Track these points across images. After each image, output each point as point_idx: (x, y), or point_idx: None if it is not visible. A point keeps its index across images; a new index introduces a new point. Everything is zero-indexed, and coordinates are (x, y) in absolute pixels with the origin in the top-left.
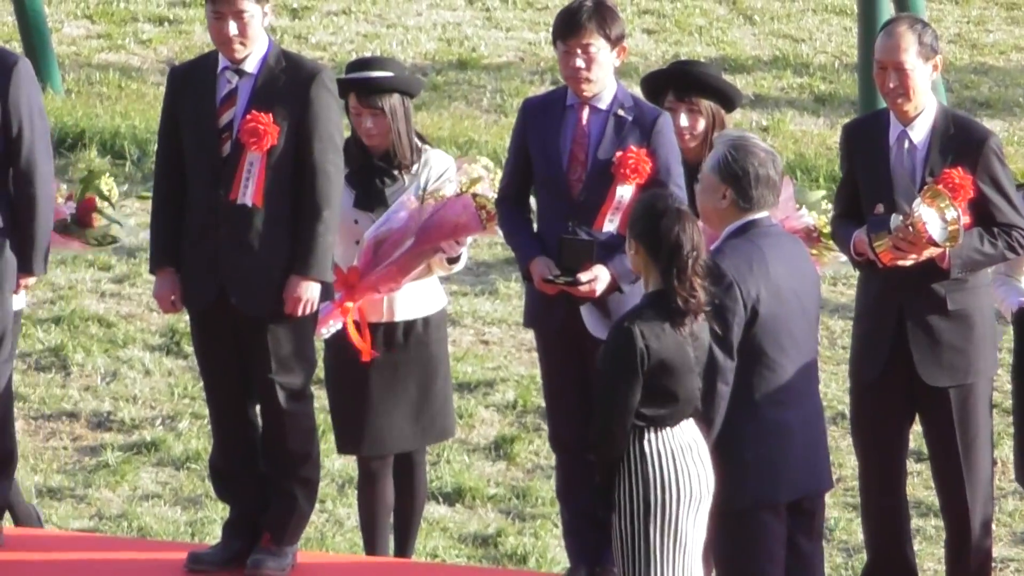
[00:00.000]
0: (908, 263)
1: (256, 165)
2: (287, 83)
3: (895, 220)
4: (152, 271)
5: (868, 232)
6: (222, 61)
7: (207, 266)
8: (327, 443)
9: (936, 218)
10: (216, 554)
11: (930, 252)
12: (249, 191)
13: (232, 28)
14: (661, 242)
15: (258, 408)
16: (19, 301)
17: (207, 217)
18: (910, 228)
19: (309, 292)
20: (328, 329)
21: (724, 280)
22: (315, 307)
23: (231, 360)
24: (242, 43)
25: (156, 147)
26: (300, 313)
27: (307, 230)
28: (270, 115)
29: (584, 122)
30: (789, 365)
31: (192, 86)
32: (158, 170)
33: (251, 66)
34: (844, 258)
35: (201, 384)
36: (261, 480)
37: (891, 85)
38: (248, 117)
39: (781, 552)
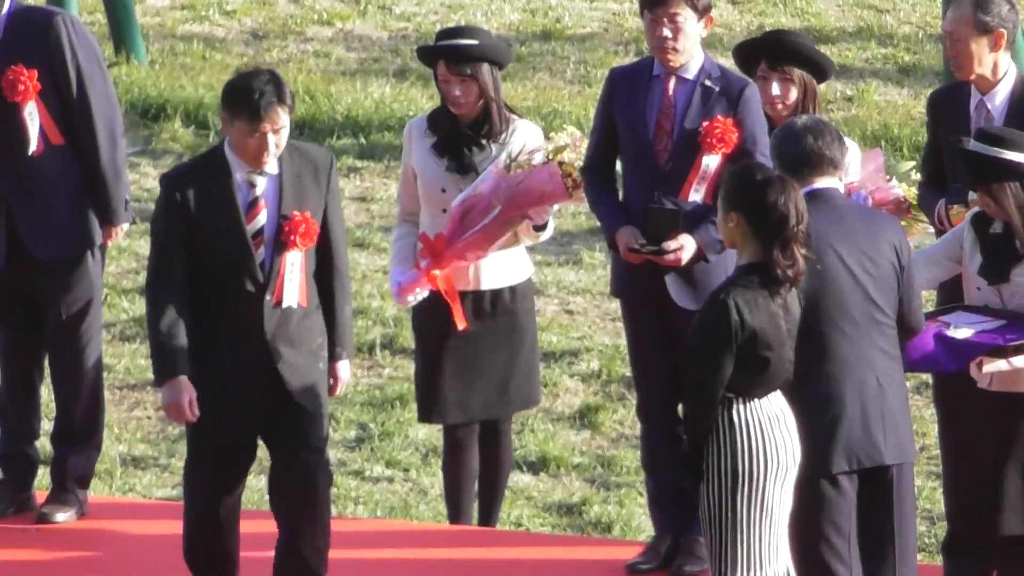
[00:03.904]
0: None
1: (297, 265)
2: (308, 177)
3: (973, 193)
4: (164, 382)
5: (947, 201)
6: (237, 168)
7: (264, 367)
8: (411, 412)
9: None
10: None
11: None
12: (295, 292)
13: (271, 142)
14: (767, 212)
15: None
16: None
17: (250, 321)
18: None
19: (349, 372)
20: (415, 296)
21: None
22: None
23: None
24: (276, 155)
25: (153, 259)
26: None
27: (343, 316)
28: (307, 212)
29: (670, 92)
30: (840, 338)
31: (206, 195)
32: (166, 279)
33: (271, 166)
34: (932, 228)
35: None
36: None
37: (949, 55)
38: (295, 219)
39: (846, 523)
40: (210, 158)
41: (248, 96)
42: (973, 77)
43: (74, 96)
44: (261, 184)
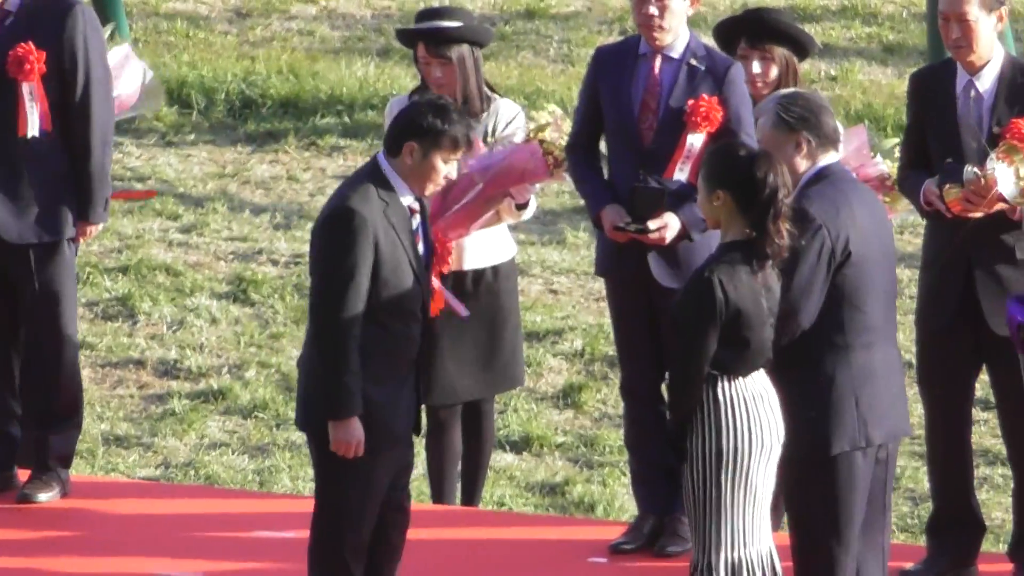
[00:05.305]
0: (977, 215)
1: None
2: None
3: (968, 172)
4: (343, 418)
5: (940, 181)
6: (404, 194)
7: (410, 390)
8: None
9: (1009, 175)
10: None
11: (1000, 206)
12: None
13: (453, 171)
14: (757, 188)
15: None
16: None
17: (415, 350)
18: (982, 182)
19: None
20: None
21: (813, 224)
22: None
23: None
24: None
25: (344, 294)
26: None
27: None
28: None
29: (656, 71)
30: (875, 308)
31: (389, 223)
32: (355, 312)
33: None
34: (914, 207)
35: (268, 332)
36: None
37: (954, 36)
38: (442, 243)
39: (867, 496)
40: (377, 182)
41: (459, 124)
42: (971, 58)
43: (77, 91)
44: (417, 210)
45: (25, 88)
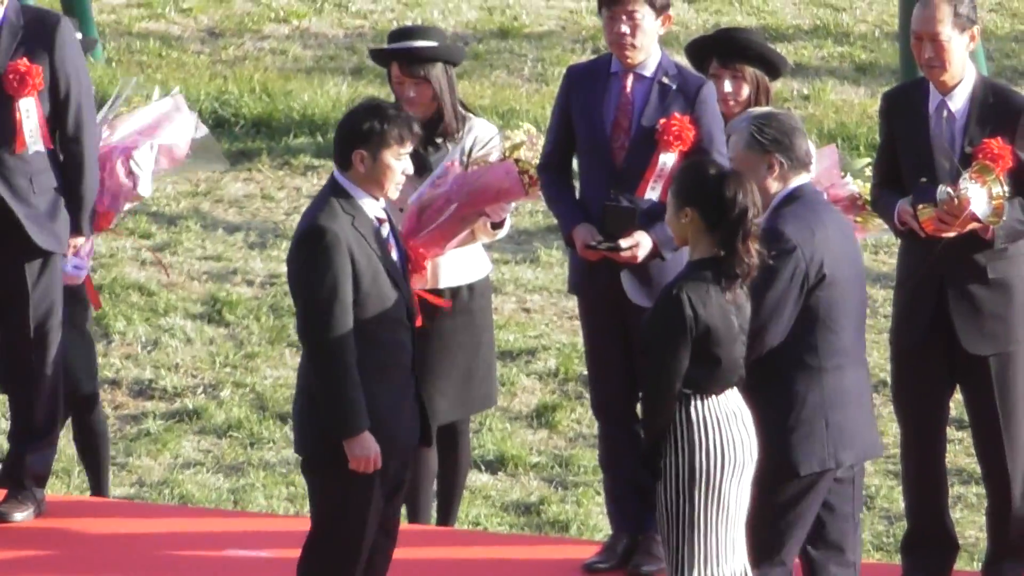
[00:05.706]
0: (951, 235)
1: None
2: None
3: (941, 192)
4: (356, 435)
5: (913, 201)
6: (367, 203)
7: (411, 400)
8: None
9: (982, 195)
10: None
11: (973, 226)
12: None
13: (409, 167)
14: (726, 207)
15: None
16: None
17: (407, 358)
18: (955, 202)
19: None
20: None
21: (788, 245)
22: None
23: None
24: None
25: (330, 311)
26: None
27: None
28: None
29: (628, 89)
30: (847, 329)
31: (359, 236)
32: (346, 329)
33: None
34: (887, 226)
35: (243, 352)
36: None
37: (927, 56)
38: (414, 248)
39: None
40: (340, 197)
41: (399, 119)
42: (943, 77)
43: (71, 105)
44: (385, 219)
45: (23, 104)
